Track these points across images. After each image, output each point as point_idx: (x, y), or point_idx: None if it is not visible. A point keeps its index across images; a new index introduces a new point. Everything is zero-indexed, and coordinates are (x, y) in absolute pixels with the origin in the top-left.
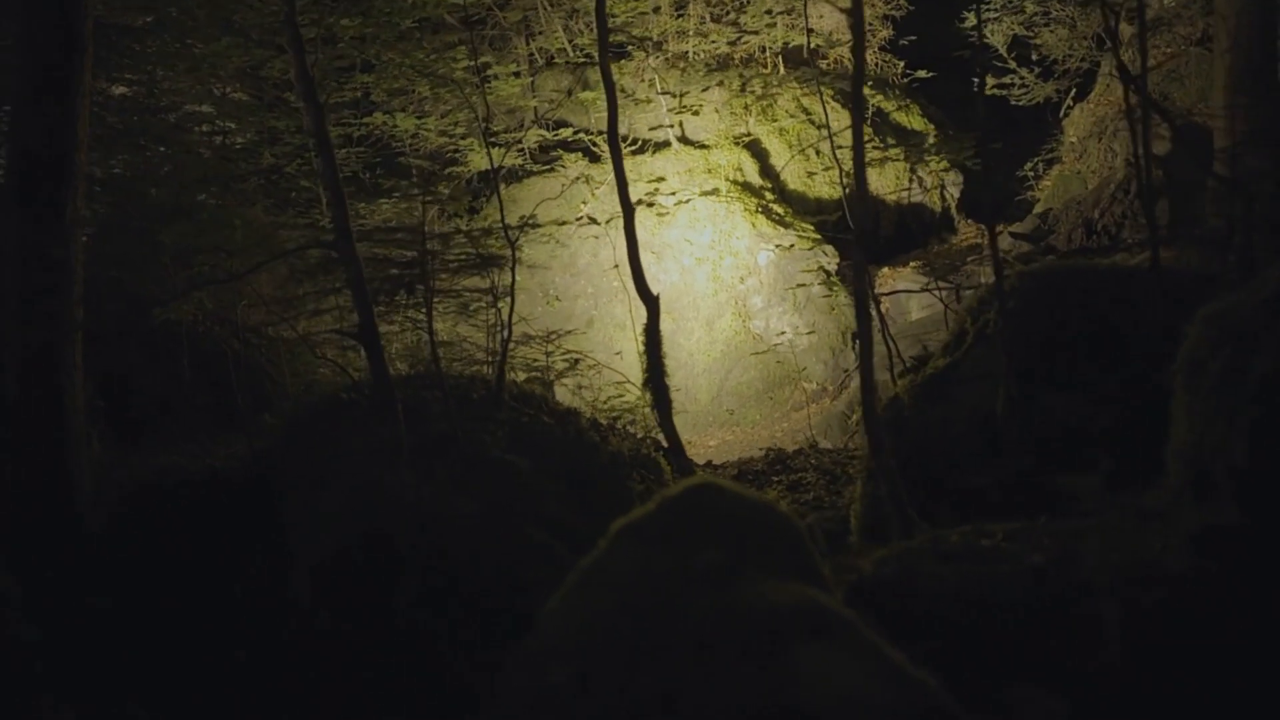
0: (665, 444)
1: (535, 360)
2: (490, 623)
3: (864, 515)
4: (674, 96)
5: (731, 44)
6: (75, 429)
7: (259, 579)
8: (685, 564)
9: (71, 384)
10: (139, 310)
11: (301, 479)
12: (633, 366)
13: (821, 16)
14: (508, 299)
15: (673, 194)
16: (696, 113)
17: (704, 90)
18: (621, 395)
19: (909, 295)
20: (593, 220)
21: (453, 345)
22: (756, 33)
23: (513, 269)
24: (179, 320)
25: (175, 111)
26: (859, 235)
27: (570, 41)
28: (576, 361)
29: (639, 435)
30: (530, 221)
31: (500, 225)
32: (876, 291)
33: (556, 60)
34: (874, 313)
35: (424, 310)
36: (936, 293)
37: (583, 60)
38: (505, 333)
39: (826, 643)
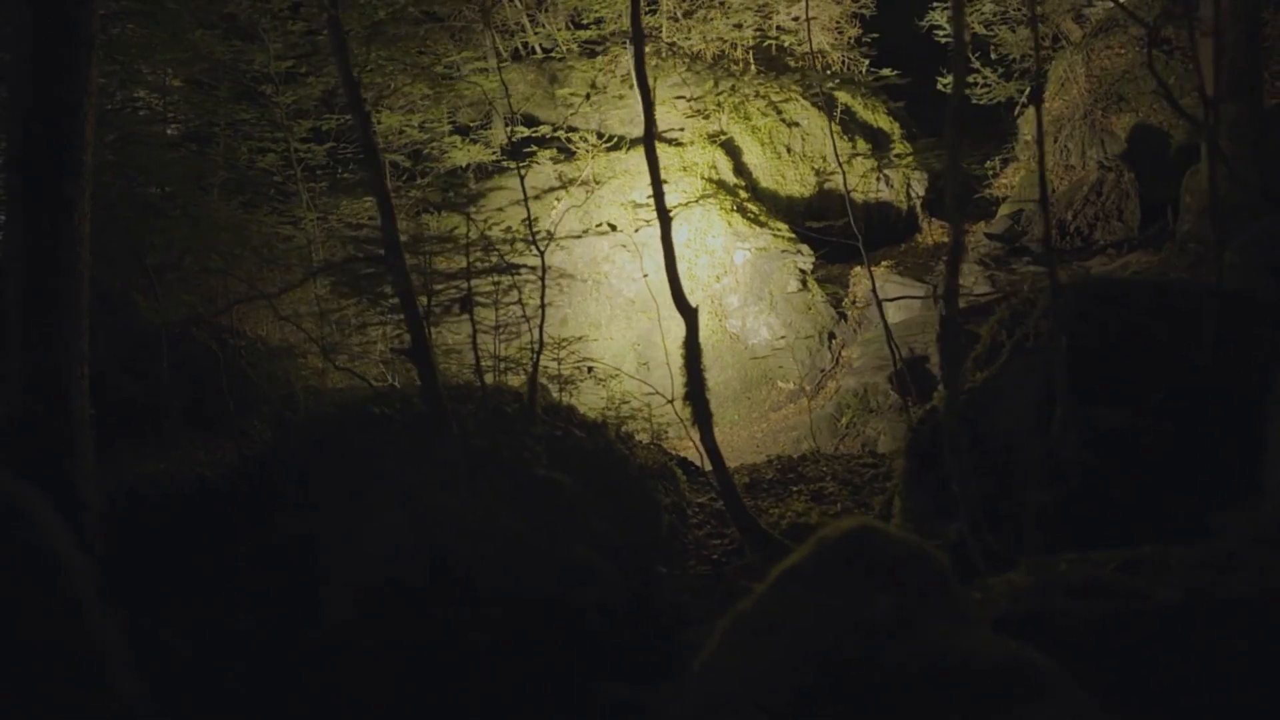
0: (675, 452)
1: (545, 367)
2: (551, 648)
3: (907, 530)
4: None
5: (705, 40)
6: (83, 447)
7: (276, 598)
8: (861, 612)
9: (80, 397)
10: (112, 309)
11: (334, 495)
12: (624, 365)
13: (795, 18)
14: (535, 308)
15: (682, 200)
16: (678, 109)
17: (677, 87)
18: (627, 400)
19: (883, 294)
20: (612, 227)
21: (457, 353)
22: (739, 26)
23: (542, 278)
24: (159, 321)
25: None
26: (953, 253)
27: (543, 35)
28: (591, 369)
29: (645, 442)
30: (546, 231)
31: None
32: (851, 291)
33: (524, 55)
34: (881, 317)
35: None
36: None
37: (551, 56)
38: (536, 345)
39: (1043, 701)
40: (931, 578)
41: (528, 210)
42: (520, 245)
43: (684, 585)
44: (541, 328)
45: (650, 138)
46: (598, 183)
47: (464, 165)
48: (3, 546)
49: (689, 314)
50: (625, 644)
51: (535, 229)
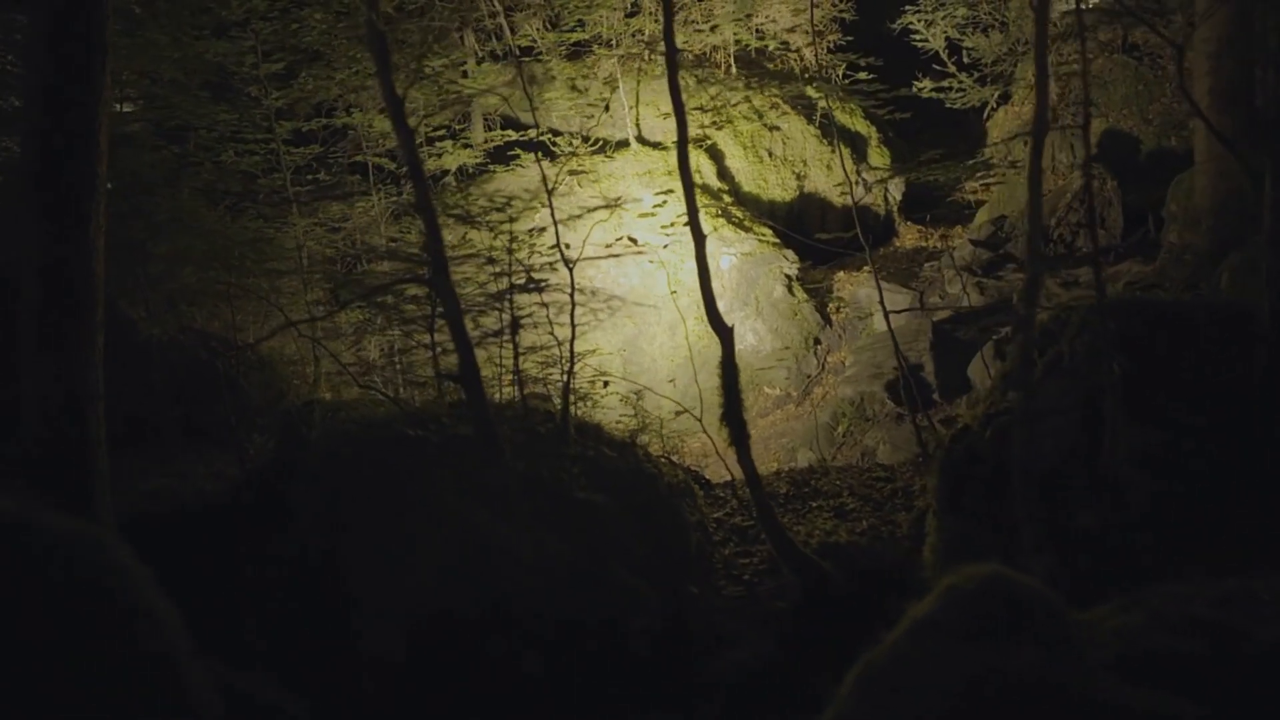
0: (692, 468)
1: (552, 377)
2: (600, 675)
3: (943, 552)
4: (630, 93)
5: (686, 43)
6: (100, 469)
7: (292, 620)
8: (1007, 665)
9: (96, 419)
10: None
11: (367, 517)
12: (609, 370)
13: (771, 20)
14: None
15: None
16: (660, 111)
17: (659, 90)
18: (635, 414)
19: (871, 302)
20: (633, 241)
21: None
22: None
23: (571, 295)
24: (150, 332)
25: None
26: (1030, 284)
27: (527, 38)
28: (607, 383)
29: (656, 455)
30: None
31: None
32: (836, 295)
33: (501, 56)
34: (890, 323)
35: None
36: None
37: (530, 57)
38: (569, 365)
39: None
40: (1063, 625)
41: (556, 230)
42: (521, 254)
43: (717, 606)
44: (573, 346)
45: (684, 154)
46: (622, 203)
47: (452, 169)
48: (87, 598)
49: (725, 333)
50: (665, 667)
51: (526, 232)
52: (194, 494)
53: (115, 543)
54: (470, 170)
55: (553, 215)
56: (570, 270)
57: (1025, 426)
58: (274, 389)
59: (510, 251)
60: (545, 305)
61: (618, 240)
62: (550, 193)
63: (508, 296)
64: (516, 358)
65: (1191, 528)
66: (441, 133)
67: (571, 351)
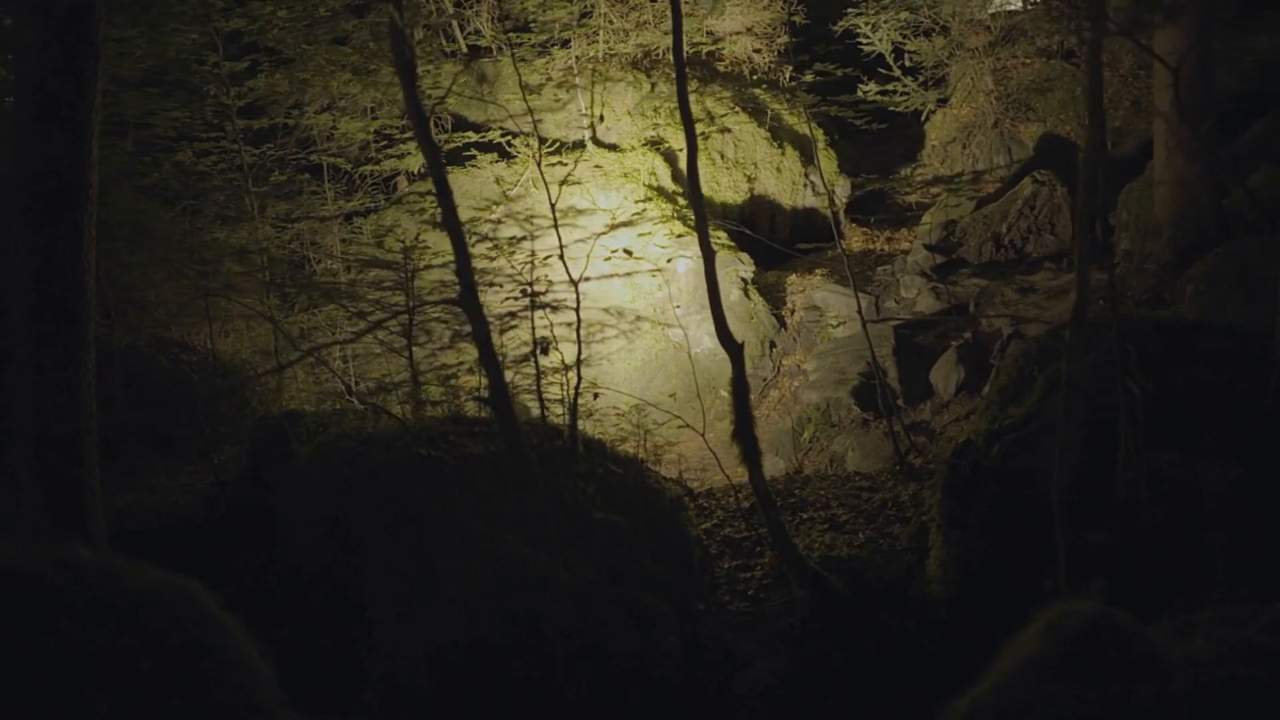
0: (691, 487)
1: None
2: (629, 698)
3: (951, 567)
4: (586, 94)
5: (640, 45)
6: (92, 480)
7: (288, 642)
8: (1115, 702)
9: (89, 428)
10: None
11: (381, 539)
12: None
13: (719, 19)
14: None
15: (631, 208)
16: (615, 113)
17: (614, 91)
18: (619, 425)
19: (827, 305)
20: (628, 253)
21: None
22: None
23: (577, 310)
24: (122, 343)
25: None
26: (1079, 304)
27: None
28: (596, 395)
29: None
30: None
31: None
32: (790, 298)
33: (449, 53)
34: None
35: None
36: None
37: (480, 55)
38: (576, 381)
39: None
40: (1159, 661)
41: (560, 245)
42: (500, 262)
43: (726, 623)
44: (579, 365)
45: (694, 169)
46: (628, 223)
47: (416, 170)
48: (166, 643)
49: (734, 350)
50: (684, 688)
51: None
52: (169, 508)
53: (202, 592)
54: (423, 171)
55: (557, 229)
56: (577, 287)
57: (1063, 451)
58: (237, 397)
59: (532, 273)
60: (553, 324)
61: (614, 253)
62: (554, 204)
63: (529, 302)
64: (539, 378)
65: (1203, 547)
66: (393, 133)
67: (578, 368)
